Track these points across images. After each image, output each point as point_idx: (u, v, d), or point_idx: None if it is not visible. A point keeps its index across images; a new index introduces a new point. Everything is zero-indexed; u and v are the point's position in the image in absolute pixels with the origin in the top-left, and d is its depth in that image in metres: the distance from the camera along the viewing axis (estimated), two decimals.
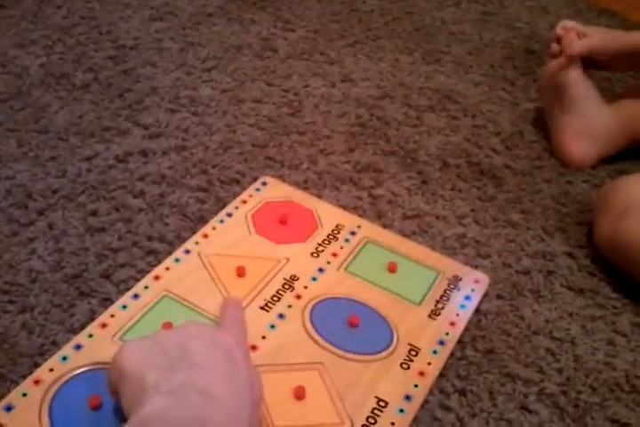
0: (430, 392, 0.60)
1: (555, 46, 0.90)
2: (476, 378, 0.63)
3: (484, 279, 0.71)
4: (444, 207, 0.82)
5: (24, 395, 0.53)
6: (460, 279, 0.70)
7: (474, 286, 0.70)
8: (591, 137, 0.89)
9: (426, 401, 0.60)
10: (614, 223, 0.72)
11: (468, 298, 0.68)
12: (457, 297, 0.68)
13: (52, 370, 0.55)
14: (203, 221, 0.74)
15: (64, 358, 0.56)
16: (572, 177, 0.89)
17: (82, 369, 0.55)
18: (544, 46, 1.16)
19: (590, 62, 0.89)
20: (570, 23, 0.90)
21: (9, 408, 0.51)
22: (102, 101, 0.91)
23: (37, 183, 0.77)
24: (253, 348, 0.60)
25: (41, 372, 0.55)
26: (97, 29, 1.08)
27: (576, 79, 0.89)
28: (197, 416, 0.42)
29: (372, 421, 0.56)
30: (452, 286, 0.69)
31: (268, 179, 0.80)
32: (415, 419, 0.58)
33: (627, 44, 0.86)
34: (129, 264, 0.68)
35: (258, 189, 0.78)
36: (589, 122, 0.89)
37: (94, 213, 0.74)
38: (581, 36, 0.89)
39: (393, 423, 0.56)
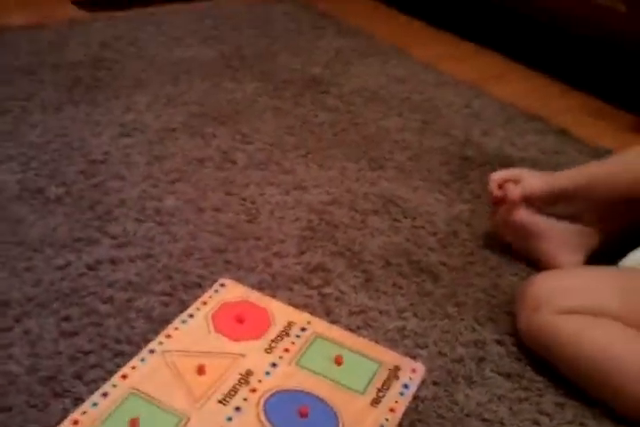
0: None
1: (496, 192, 0.98)
2: None
3: (420, 369, 0.79)
4: (387, 302, 0.91)
5: None
6: (400, 369, 0.78)
7: (411, 375, 0.78)
8: (577, 248, 0.96)
9: None
10: (529, 316, 0.81)
11: (406, 386, 0.76)
12: (396, 386, 0.76)
13: None
14: (166, 322, 0.81)
15: None
16: (501, 270, 0.99)
17: None
18: (476, 152, 1.29)
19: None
20: (498, 174, 0.99)
21: None
22: (74, 213, 1.01)
23: (14, 292, 0.85)
24: None
25: None
26: (69, 145, 1.18)
27: (527, 217, 0.97)
28: None
29: None
30: (391, 376, 0.77)
31: (226, 281, 0.88)
32: None
33: (558, 187, 0.94)
34: (99, 365, 0.75)
35: (217, 291, 0.86)
36: (568, 241, 0.96)
37: (67, 319, 0.81)
38: (516, 181, 0.97)
39: None
